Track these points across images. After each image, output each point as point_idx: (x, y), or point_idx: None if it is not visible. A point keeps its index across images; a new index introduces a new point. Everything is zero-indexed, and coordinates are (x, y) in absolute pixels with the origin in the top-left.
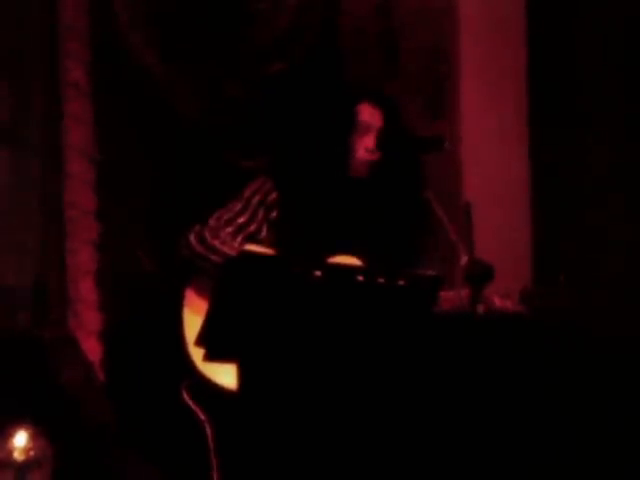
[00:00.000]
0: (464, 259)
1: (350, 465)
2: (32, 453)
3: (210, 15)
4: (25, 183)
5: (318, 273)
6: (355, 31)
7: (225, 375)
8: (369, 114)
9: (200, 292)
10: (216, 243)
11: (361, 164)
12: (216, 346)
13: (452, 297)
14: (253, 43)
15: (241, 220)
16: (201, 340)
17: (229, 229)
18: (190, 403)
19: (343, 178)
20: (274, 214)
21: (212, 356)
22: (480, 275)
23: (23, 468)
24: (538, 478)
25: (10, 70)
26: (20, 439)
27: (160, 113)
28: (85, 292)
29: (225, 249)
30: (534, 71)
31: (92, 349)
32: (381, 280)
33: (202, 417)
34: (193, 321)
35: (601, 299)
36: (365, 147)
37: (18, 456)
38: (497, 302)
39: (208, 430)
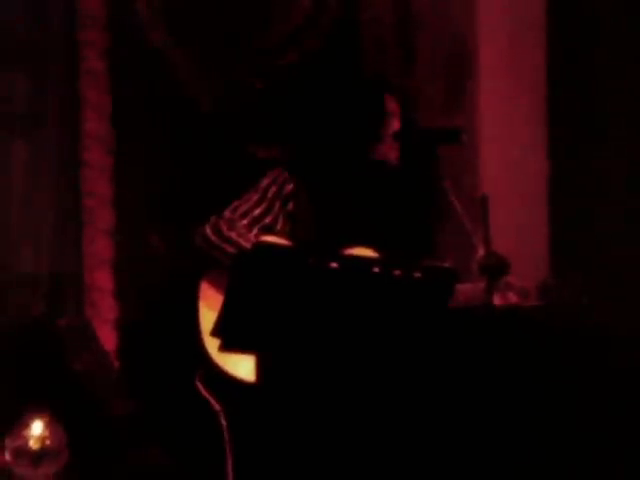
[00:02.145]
0: (480, 251)
1: (366, 457)
2: (48, 442)
3: (228, 6)
4: (42, 172)
5: (334, 265)
6: (373, 22)
7: (239, 366)
8: (392, 104)
9: (216, 283)
10: (233, 235)
11: (391, 152)
12: (232, 337)
13: (468, 290)
14: (271, 33)
15: (257, 212)
16: (217, 331)
17: (245, 221)
18: (205, 393)
19: (373, 167)
20: (290, 206)
21: (228, 347)
22: (496, 268)
23: (39, 456)
24: (555, 474)
25: (28, 59)
26: (36, 428)
27: (177, 102)
28: (101, 281)
29: (242, 241)
30: (554, 65)
31: (108, 337)
32: (397, 272)
33: (217, 407)
34: (208, 311)
35: (617, 295)
36: (392, 134)
37: (34, 444)
38: (513, 299)
39: (223, 420)
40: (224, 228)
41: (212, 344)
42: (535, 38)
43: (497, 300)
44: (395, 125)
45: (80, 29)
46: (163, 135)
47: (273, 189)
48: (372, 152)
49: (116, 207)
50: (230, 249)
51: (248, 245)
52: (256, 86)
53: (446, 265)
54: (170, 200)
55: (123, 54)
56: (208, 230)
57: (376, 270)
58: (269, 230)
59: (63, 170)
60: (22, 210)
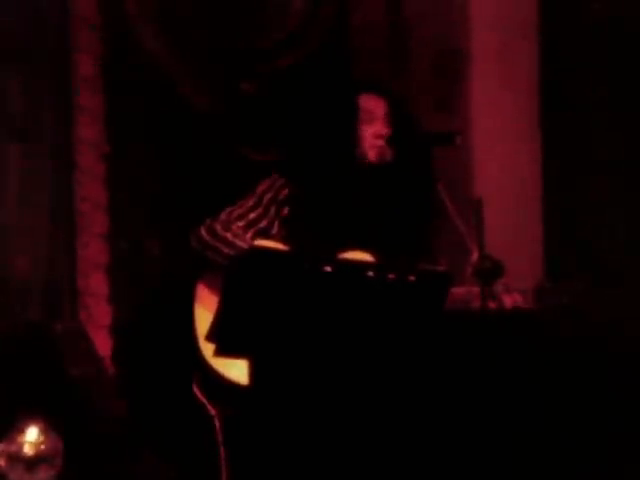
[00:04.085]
0: (474, 255)
1: (361, 460)
2: (43, 447)
3: (223, 10)
4: (37, 177)
5: (328, 269)
6: (365, 25)
7: (235, 369)
8: (371, 102)
9: (211, 287)
10: (228, 235)
11: (370, 151)
12: (226, 341)
13: (462, 294)
14: (265, 36)
15: (252, 216)
16: (211, 335)
17: (240, 223)
18: (200, 397)
19: (352, 166)
20: (285, 211)
21: (222, 351)
22: (490, 271)
23: (33, 462)
24: (548, 476)
25: (22, 64)
26: (31, 433)
27: (172, 107)
28: (96, 286)
29: (237, 241)
30: (546, 66)
31: (102, 343)
32: (391, 276)
33: (212, 411)
34: (204, 315)
35: (612, 297)
36: (372, 133)
37: (28, 450)
38: (507, 299)
39: (217, 424)
40: (219, 228)
41: (207, 347)
42: (527, 40)
43: (492, 304)
44: (377, 126)
45: (74, 33)
46: (157, 138)
47: (269, 195)
48: (352, 153)
49: (110, 211)
50: (225, 249)
51: (243, 245)
52: (246, 89)
53: (440, 269)
54: (165, 204)
55: (117, 58)
56: (203, 231)
57: (370, 274)
58: (264, 234)
59: (57, 174)
60: (16, 214)
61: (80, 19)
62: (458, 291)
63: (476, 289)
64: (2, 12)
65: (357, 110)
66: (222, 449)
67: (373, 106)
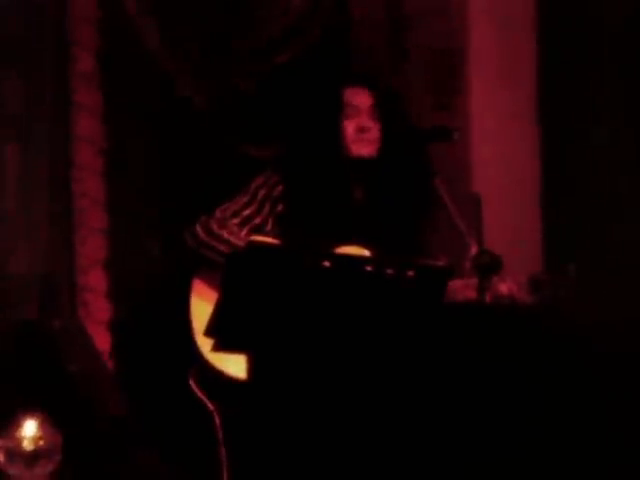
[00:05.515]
0: (473, 249)
1: (360, 455)
2: (41, 442)
3: (219, 6)
4: (35, 173)
5: (327, 264)
6: (365, 21)
7: (233, 364)
8: (356, 96)
9: (208, 281)
10: (224, 233)
11: (352, 145)
12: (225, 336)
13: (460, 286)
14: (263, 33)
15: (247, 213)
16: (210, 330)
17: (235, 220)
18: (198, 393)
19: (336, 161)
20: (280, 208)
21: (221, 346)
22: (489, 265)
23: (32, 457)
24: (545, 473)
25: (20, 60)
26: (29, 428)
27: (169, 102)
28: (94, 282)
29: (233, 239)
30: (544, 63)
31: (101, 338)
32: (390, 271)
33: (210, 407)
34: (201, 310)
35: (611, 293)
36: (354, 127)
37: (27, 445)
38: (504, 289)
39: (216, 420)
40: (214, 226)
41: (205, 343)
42: (526, 37)
43: (488, 296)
44: (361, 120)
45: (72, 29)
46: (155, 135)
47: (263, 191)
48: (338, 147)
49: (109, 208)
50: (221, 247)
51: (239, 243)
52: (244, 87)
53: (440, 263)
54: (163, 200)
55: (115, 54)
56: (198, 228)
57: (369, 269)
58: (258, 231)
59: (55, 171)
60: (14, 210)
61: (79, 15)
62: (455, 283)
63: (473, 280)
64: (0, 8)
65: (341, 105)
66: (222, 445)
67: (358, 100)
